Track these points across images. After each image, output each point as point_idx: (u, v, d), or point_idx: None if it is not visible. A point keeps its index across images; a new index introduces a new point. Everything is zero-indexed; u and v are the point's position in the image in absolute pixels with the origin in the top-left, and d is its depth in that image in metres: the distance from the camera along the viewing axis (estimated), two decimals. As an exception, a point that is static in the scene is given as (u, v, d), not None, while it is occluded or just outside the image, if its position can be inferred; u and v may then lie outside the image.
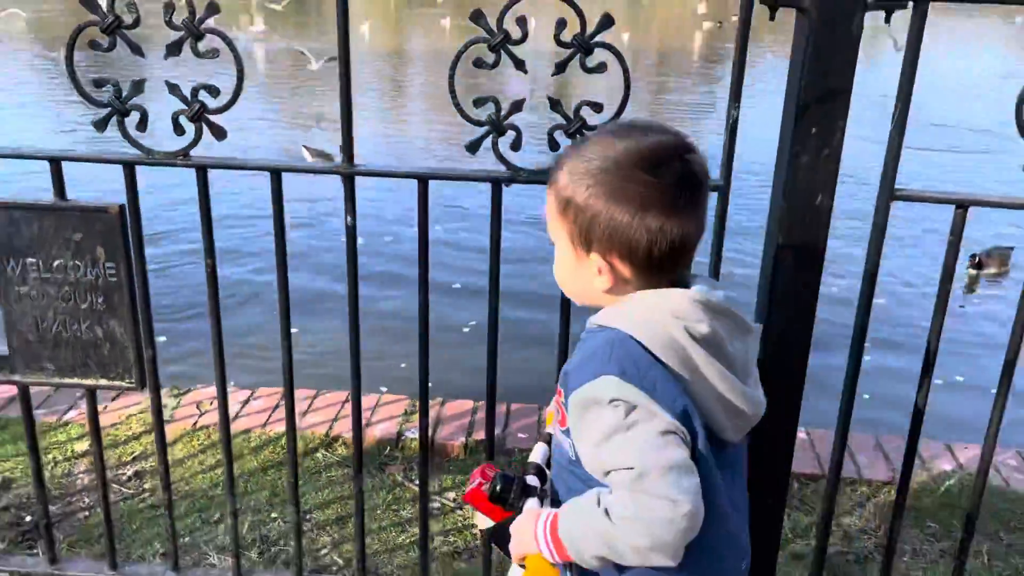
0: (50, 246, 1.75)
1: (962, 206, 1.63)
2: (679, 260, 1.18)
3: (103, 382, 1.85)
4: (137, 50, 1.61)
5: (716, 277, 1.69)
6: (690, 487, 1.06)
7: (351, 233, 1.72)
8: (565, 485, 1.22)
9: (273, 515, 2.39)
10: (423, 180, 1.69)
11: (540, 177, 1.57)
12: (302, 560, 2.01)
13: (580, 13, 1.54)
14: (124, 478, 2.57)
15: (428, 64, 15.24)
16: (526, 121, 1.64)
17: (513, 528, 1.23)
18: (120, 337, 1.81)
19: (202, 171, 1.72)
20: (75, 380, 1.85)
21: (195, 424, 2.83)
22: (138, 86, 1.65)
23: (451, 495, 2.54)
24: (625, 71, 1.59)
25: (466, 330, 4.63)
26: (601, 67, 1.58)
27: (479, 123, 1.62)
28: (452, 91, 1.60)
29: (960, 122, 10.34)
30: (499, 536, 1.31)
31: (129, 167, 1.72)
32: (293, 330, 1.84)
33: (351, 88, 1.62)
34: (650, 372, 1.10)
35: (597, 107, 1.62)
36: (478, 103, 1.61)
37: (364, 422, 2.58)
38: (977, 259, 5.74)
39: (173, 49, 1.59)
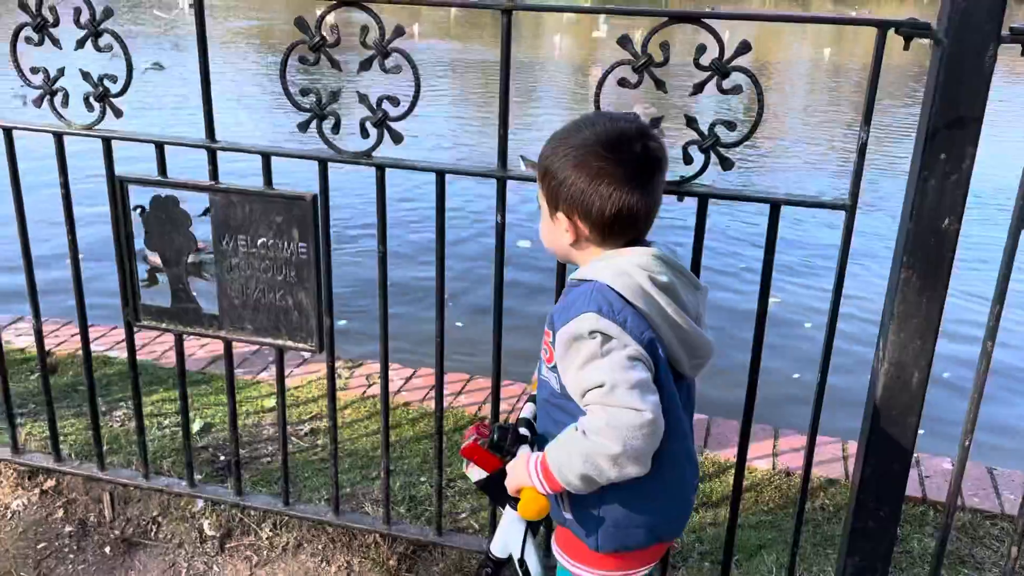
0: (257, 226, 2.09)
1: (1101, 237, 1.62)
2: (630, 225, 1.44)
3: (289, 343, 2.17)
4: (336, 65, 1.90)
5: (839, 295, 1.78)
6: (652, 401, 1.29)
7: (500, 232, 1.95)
8: (551, 418, 1.47)
9: (422, 479, 2.66)
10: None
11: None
12: (442, 519, 2.27)
13: (719, 39, 1.68)
14: (302, 433, 2.94)
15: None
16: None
17: (509, 468, 1.47)
18: (306, 306, 2.13)
19: (381, 170, 2.00)
20: (268, 340, 2.19)
21: (363, 393, 3.18)
22: (335, 95, 1.95)
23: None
24: (759, 94, 1.71)
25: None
26: (737, 89, 1.71)
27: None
28: (597, 105, 1.79)
29: None
30: (490, 486, 1.56)
31: (323, 163, 2.03)
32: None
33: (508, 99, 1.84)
34: (623, 311, 1.34)
35: (731, 125, 1.75)
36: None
37: (511, 407, 2.81)
38: None
39: (365, 65, 1.88)
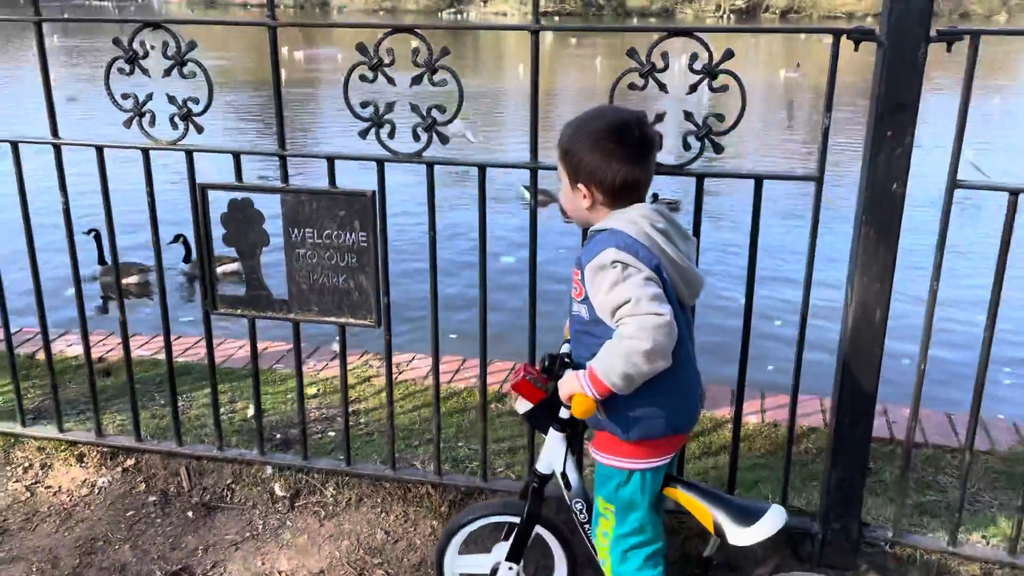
0: (322, 219, 2.47)
1: (1015, 193, 2.06)
2: (632, 191, 1.88)
3: (352, 320, 2.54)
4: (391, 81, 2.30)
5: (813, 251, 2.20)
6: (668, 308, 1.72)
7: (532, 214, 2.35)
8: (583, 344, 1.90)
9: (459, 444, 3.02)
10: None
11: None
12: (487, 466, 2.64)
13: (708, 48, 2.10)
14: (342, 416, 3.28)
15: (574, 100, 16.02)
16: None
17: (561, 383, 1.88)
18: (366, 287, 2.51)
19: (430, 167, 2.39)
20: (332, 319, 2.56)
21: (396, 379, 3.53)
22: (390, 106, 2.35)
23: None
24: (742, 91, 2.14)
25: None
26: (723, 88, 2.13)
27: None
28: (611, 100, 2.19)
29: None
30: (535, 416, 1.99)
31: (380, 164, 2.42)
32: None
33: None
34: (634, 245, 1.77)
35: (720, 117, 2.17)
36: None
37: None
38: None
39: (416, 80, 2.27)
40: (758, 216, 2.27)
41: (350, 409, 3.35)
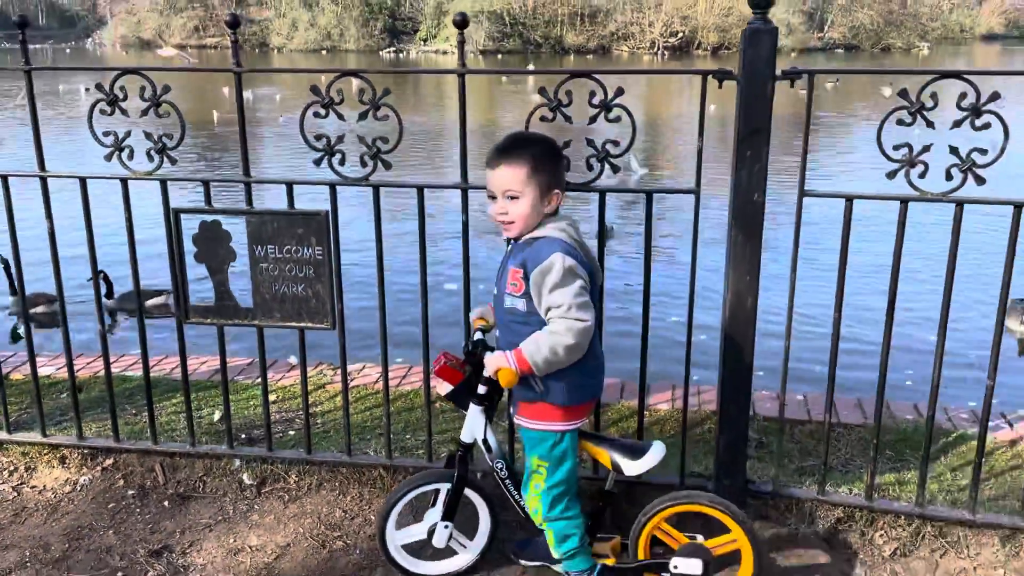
0: (283, 236, 2.85)
1: (850, 199, 2.56)
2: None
3: (309, 324, 2.92)
4: (340, 117, 2.71)
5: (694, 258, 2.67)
6: (591, 314, 2.15)
7: (464, 229, 2.78)
8: (512, 332, 2.31)
9: (407, 436, 3.40)
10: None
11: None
12: (432, 449, 3.03)
13: (603, 87, 2.57)
14: (300, 418, 3.64)
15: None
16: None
17: (487, 359, 2.29)
18: (322, 295, 2.89)
19: (376, 189, 2.80)
20: (292, 324, 2.94)
21: (348, 385, 3.90)
22: (340, 138, 2.76)
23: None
24: (632, 122, 2.60)
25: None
26: (617, 119, 2.59)
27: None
28: (527, 127, 2.65)
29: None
30: (456, 395, 2.42)
31: (332, 187, 2.82)
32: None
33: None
34: (574, 251, 2.19)
35: (615, 143, 2.63)
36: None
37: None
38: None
39: (363, 115, 2.69)
40: (650, 227, 2.72)
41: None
